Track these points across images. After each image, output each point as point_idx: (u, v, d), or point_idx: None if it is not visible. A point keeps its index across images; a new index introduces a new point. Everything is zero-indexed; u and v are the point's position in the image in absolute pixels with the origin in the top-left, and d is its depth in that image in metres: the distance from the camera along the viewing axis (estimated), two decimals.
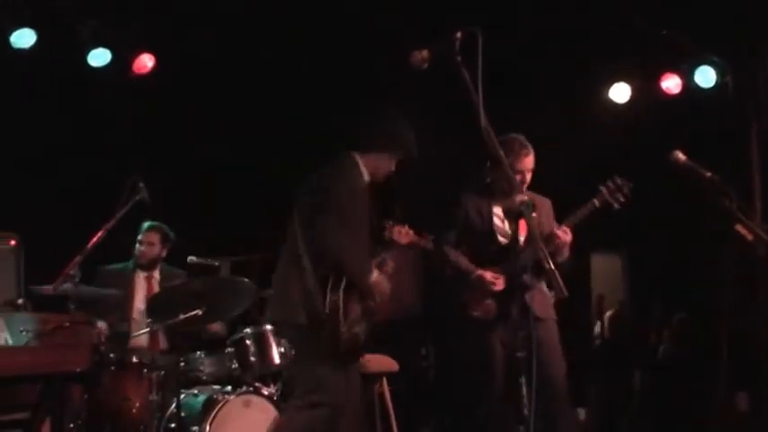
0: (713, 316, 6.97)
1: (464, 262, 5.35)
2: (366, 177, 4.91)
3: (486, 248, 5.33)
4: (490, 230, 5.37)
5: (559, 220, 5.34)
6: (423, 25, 6.53)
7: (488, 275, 5.23)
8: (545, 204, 5.48)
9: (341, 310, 4.63)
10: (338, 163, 4.89)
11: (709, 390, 6.82)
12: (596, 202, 5.25)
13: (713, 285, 6.95)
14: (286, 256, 4.87)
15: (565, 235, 5.16)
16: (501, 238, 5.36)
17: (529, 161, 5.31)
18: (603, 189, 5.25)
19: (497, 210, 5.40)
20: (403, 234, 6.04)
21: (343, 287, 4.65)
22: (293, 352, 5.44)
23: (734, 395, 6.83)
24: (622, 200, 5.24)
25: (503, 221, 5.37)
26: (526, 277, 4.95)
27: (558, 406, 5.10)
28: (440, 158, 8.08)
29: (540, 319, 5.13)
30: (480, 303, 5.27)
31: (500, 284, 5.23)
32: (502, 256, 5.26)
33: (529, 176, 5.33)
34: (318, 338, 4.65)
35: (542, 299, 5.29)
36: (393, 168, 5.02)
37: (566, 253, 5.26)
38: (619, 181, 5.25)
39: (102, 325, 5.87)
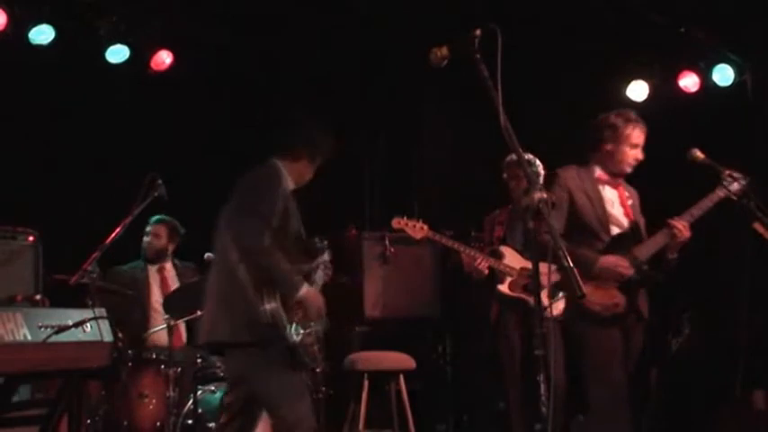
0: (730, 313, 6.94)
1: (581, 250, 4.94)
2: (291, 185, 4.74)
3: (599, 238, 5.06)
4: (603, 218, 5.10)
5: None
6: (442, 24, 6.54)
7: (620, 261, 4.97)
8: (635, 194, 5.31)
9: (282, 317, 4.42)
10: (267, 168, 4.72)
11: (726, 388, 6.79)
12: (720, 193, 5.04)
13: (731, 282, 6.93)
14: (218, 270, 4.65)
15: (685, 230, 4.97)
16: (613, 227, 5.13)
17: (642, 135, 5.13)
18: (725, 181, 5.06)
19: (606, 195, 5.17)
20: (417, 229, 6.06)
21: (278, 296, 4.45)
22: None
23: (751, 393, 6.78)
24: (741, 193, 5.04)
25: (612, 207, 5.15)
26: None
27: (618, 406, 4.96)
28: (458, 156, 8.11)
29: (641, 320, 5.09)
30: (604, 296, 4.95)
31: (631, 269, 4.98)
32: (613, 245, 5.04)
33: (641, 154, 5.14)
34: (271, 352, 4.45)
35: (644, 294, 5.15)
36: (309, 175, 4.85)
37: (675, 253, 5.06)
38: (736, 174, 5.06)
39: None
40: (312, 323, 4.64)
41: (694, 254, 5.16)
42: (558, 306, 5.52)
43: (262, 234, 4.39)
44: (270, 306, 4.40)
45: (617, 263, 4.94)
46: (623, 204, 5.18)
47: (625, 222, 5.13)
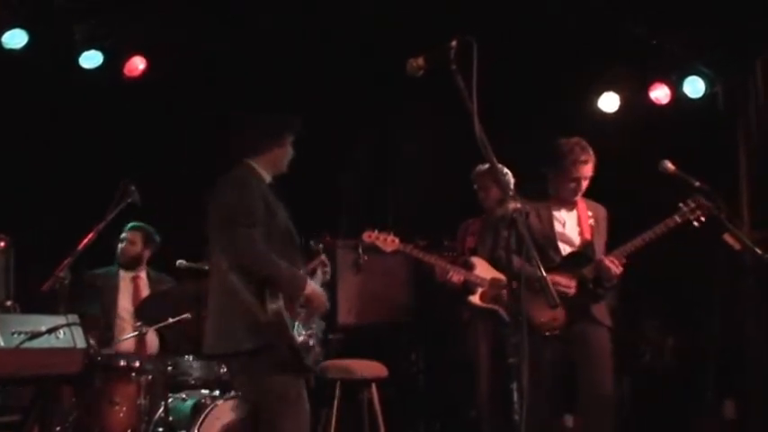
0: (701, 323, 7.01)
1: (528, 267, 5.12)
2: (268, 178, 4.70)
3: (547, 255, 5.17)
4: (551, 236, 5.26)
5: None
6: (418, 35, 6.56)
7: (562, 280, 5.10)
8: (599, 212, 5.42)
9: (285, 317, 4.38)
10: (236, 174, 4.67)
11: (697, 397, 6.86)
12: (677, 218, 5.14)
13: (702, 293, 7.00)
14: (213, 281, 4.60)
15: (614, 266, 5.08)
16: (562, 245, 5.27)
17: (588, 168, 5.22)
18: (684, 207, 5.16)
19: (558, 215, 5.32)
20: (388, 242, 6.09)
21: (282, 296, 4.40)
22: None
23: (721, 403, 6.85)
24: (703, 219, 5.13)
25: (563, 227, 5.29)
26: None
27: (599, 409, 5.01)
28: (433, 165, 8.13)
29: (597, 323, 5.14)
30: (545, 313, 4.96)
31: (573, 288, 5.11)
32: (564, 264, 5.17)
33: (585, 184, 5.24)
34: (272, 357, 4.38)
35: (602, 306, 5.23)
36: (292, 152, 4.79)
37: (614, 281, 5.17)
38: (701, 200, 5.14)
39: None
40: (313, 324, 4.62)
41: (665, 264, 5.21)
42: None
43: (252, 243, 4.35)
44: (274, 305, 4.34)
45: (558, 282, 5.03)
46: (580, 224, 5.31)
47: (577, 241, 5.26)
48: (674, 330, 7.39)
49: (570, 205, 5.33)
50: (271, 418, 4.47)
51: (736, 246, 5.10)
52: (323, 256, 4.94)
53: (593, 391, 5.03)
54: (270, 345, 4.35)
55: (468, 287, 6.14)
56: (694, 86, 7.52)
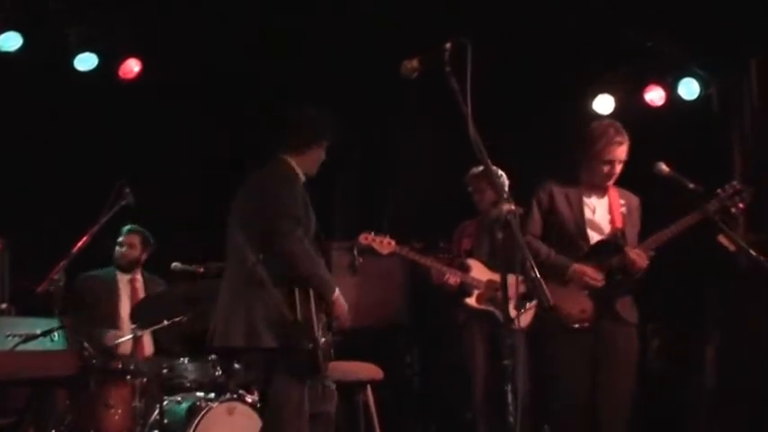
0: (698, 326, 7.01)
1: (556, 255, 4.99)
2: (302, 178, 4.72)
3: (576, 243, 5.04)
4: (580, 222, 5.09)
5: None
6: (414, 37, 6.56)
7: (590, 271, 4.97)
8: (632, 201, 5.26)
9: (315, 321, 4.38)
10: (275, 166, 4.68)
11: (692, 401, 6.86)
12: (711, 207, 4.96)
13: (698, 296, 7.01)
14: (233, 273, 4.58)
15: (639, 259, 4.93)
16: (591, 232, 5.10)
17: (623, 151, 5.05)
18: (721, 192, 4.99)
19: (589, 201, 5.15)
20: (385, 244, 6.09)
21: (313, 298, 4.41)
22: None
23: (717, 403, 6.85)
24: (741, 206, 5.00)
25: (594, 213, 5.13)
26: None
27: (614, 412, 4.93)
28: (429, 166, 8.12)
29: (624, 322, 5.03)
30: (574, 305, 4.91)
31: (601, 281, 4.96)
32: (592, 253, 5.01)
33: (619, 168, 5.07)
34: (291, 357, 4.39)
35: (628, 300, 5.09)
36: (324, 155, 4.83)
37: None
38: (737, 185, 5.01)
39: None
40: (328, 333, 4.60)
41: (661, 268, 5.19)
42: (526, 318, 5.57)
43: (299, 240, 4.37)
44: (306, 306, 4.34)
45: (586, 272, 4.94)
46: (611, 211, 5.15)
47: (606, 229, 5.11)
48: (671, 334, 7.38)
49: (602, 192, 5.16)
50: (275, 420, 4.49)
51: (731, 247, 5.08)
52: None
53: (611, 392, 4.92)
54: (293, 346, 4.35)
55: (465, 289, 6.16)
56: (689, 88, 7.53)
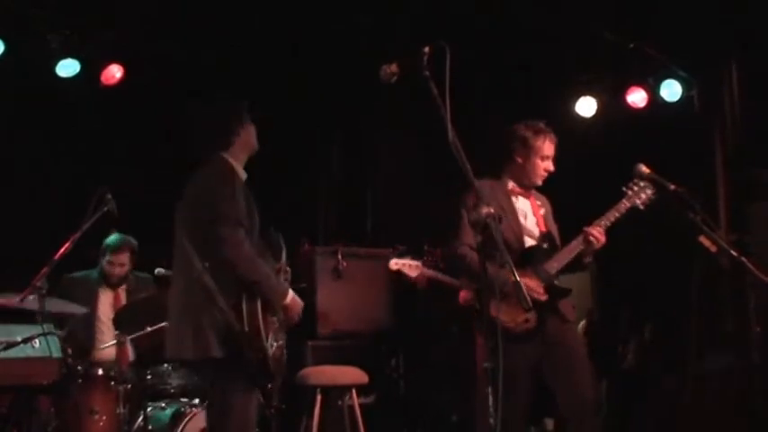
0: (680, 326, 7.03)
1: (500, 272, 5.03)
2: (243, 175, 4.50)
3: (516, 252, 4.93)
4: (518, 231, 5.04)
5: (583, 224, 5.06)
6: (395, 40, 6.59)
7: (532, 284, 4.84)
8: (545, 201, 5.28)
9: (262, 328, 4.19)
10: (210, 166, 4.44)
11: (675, 400, 6.88)
12: (626, 203, 5.04)
13: (680, 296, 7.02)
14: (181, 282, 4.37)
15: (600, 236, 4.94)
16: (526, 239, 5.06)
17: (553, 146, 5.12)
18: (628, 190, 5.07)
19: (518, 207, 5.12)
20: (413, 268, 6.13)
21: (260, 303, 4.22)
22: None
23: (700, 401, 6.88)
24: (647, 202, 5.07)
25: (525, 219, 5.10)
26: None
27: (582, 410, 4.90)
28: (412, 170, 8.14)
29: (567, 321, 5.03)
30: (515, 313, 4.78)
31: (543, 295, 4.89)
32: (525, 259, 4.95)
33: (551, 166, 5.12)
34: (240, 367, 4.23)
35: (569, 301, 5.07)
36: (255, 137, 4.60)
37: (590, 257, 5.04)
38: (641, 183, 5.07)
39: None
40: (282, 335, 4.47)
41: (645, 269, 5.21)
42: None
43: (240, 245, 4.17)
44: (252, 313, 4.16)
45: (531, 287, 4.79)
46: (535, 214, 5.17)
47: (536, 232, 5.10)
48: (651, 333, 7.41)
49: (526, 194, 5.17)
50: (221, 430, 4.33)
51: (713, 248, 5.10)
52: (284, 262, 4.71)
53: (574, 392, 4.89)
54: (241, 355, 4.20)
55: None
56: (671, 90, 7.57)
